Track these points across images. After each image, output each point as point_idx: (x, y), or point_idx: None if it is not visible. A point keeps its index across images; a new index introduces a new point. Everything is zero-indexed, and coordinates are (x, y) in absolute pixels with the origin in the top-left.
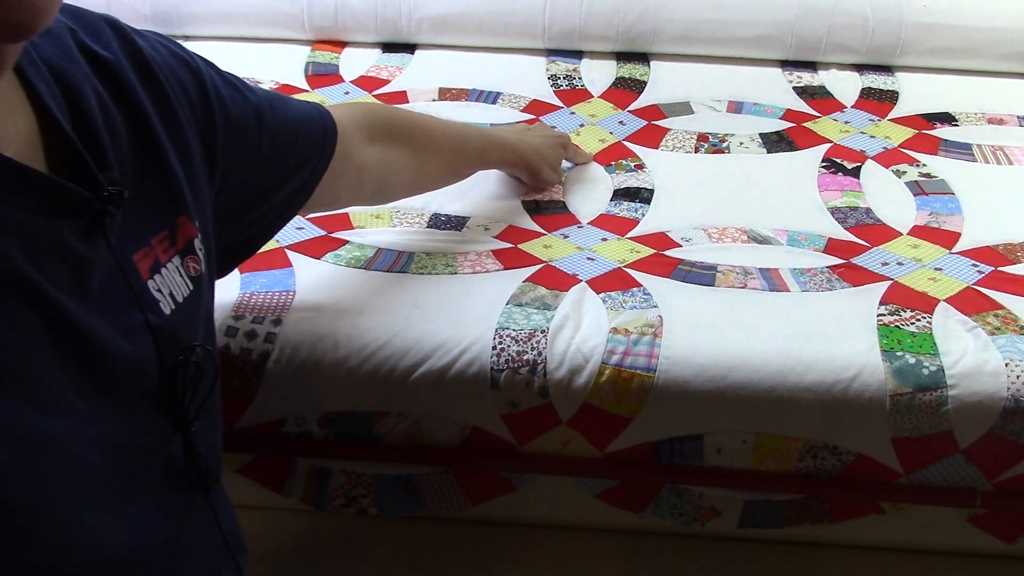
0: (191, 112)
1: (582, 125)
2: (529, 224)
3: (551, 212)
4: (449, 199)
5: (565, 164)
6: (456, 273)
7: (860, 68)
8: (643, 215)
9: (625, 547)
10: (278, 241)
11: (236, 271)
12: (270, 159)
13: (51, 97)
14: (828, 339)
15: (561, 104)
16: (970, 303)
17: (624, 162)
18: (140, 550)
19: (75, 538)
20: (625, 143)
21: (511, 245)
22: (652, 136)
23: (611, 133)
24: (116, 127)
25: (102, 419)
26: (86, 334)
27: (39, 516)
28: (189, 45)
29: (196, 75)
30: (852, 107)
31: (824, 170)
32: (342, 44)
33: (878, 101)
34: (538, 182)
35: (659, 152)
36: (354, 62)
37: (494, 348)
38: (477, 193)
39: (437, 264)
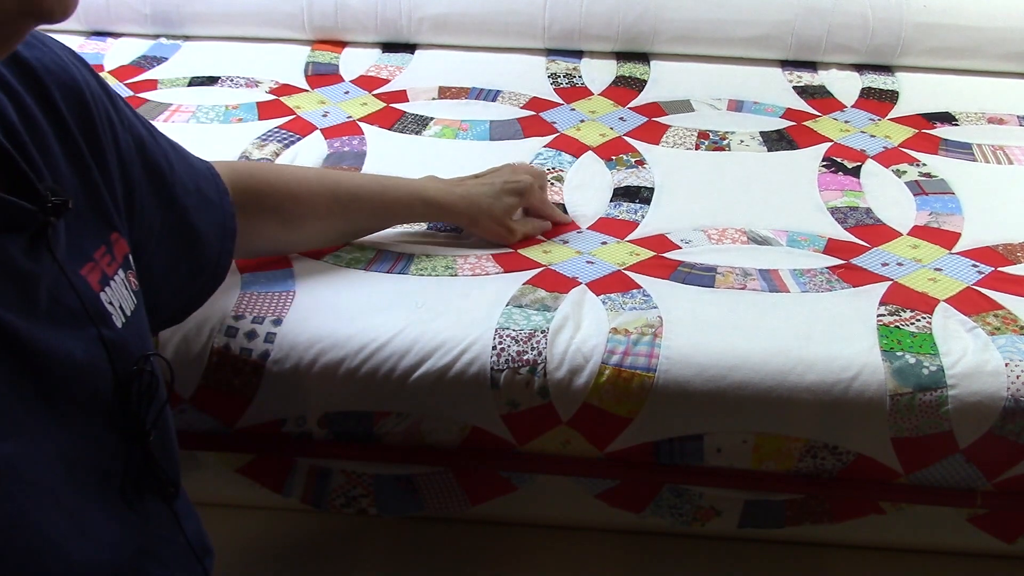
0: (110, 132)
1: (582, 121)
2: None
3: None
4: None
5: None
6: (456, 275)
7: (860, 68)
8: (643, 216)
9: (625, 547)
10: None
11: (236, 271)
12: (172, 205)
13: None
14: (828, 339)
15: (561, 101)
16: (970, 303)
17: (625, 157)
18: (107, 566)
19: (41, 561)
20: (626, 138)
21: (511, 250)
22: (653, 132)
23: (611, 128)
24: (45, 138)
25: (58, 437)
26: (36, 351)
27: (5, 543)
28: (189, 45)
29: (111, 98)
30: (852, 107)
31: (824, 169)
32: (342, 44)
33: (878, 101)
34: (482, 235)
35: (660, 148)
36: (354, 62)
37: (494, 348)
38: None
39: (437, 266)
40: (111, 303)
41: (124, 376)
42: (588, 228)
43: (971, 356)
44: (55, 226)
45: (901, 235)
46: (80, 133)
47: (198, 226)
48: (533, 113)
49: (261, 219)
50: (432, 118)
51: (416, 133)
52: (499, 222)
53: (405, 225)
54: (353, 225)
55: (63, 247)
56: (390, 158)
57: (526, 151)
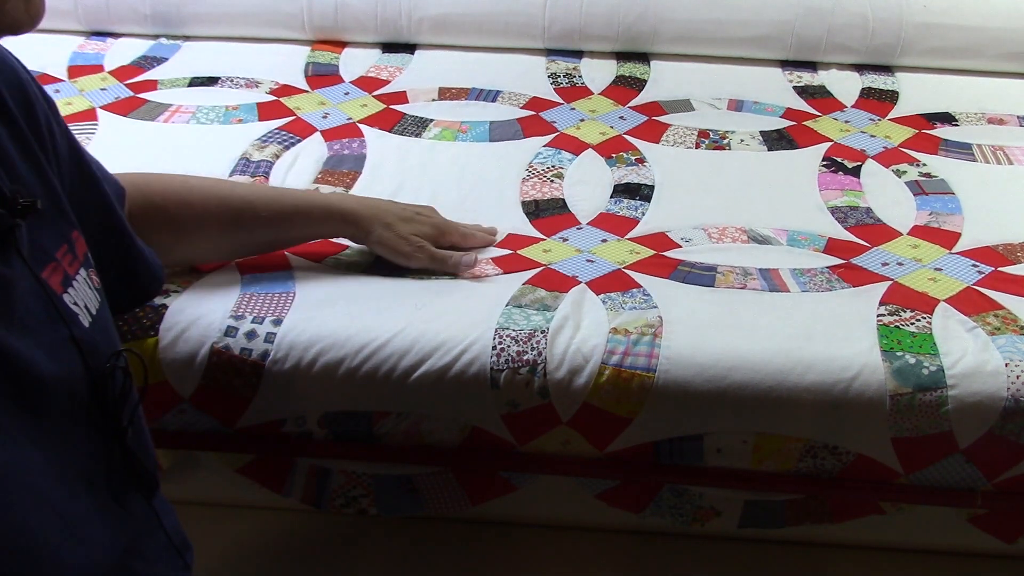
0: (49, 132)
1: (582, 120)
2: (528, 229)
3: (550, 214)
4: (449, 208)
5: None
6: (456, 277)
7: (860, 68)
8: (643, 214)
9: (625, 547)
10: None
11: (237, 273)
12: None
13: None
14: (828, 339)
15: (561, 100)
16: (970, 303)
17: (625, 155)
18: (98, 567)
19: (37, 566)
20: (626, 136)
21: (511, 251)
22: (653, 131)
23: (611, 127)
24: (0, 139)
25: (43, 442)
26: (13, 358)
27: (3, 550)
28: (189, 45)
29: (48, 101)
30: (852, 107)
31: (824, 169)
32: (342, 44)
33: (878, 101)
34: (370, 244)
35: (660, 147)
36: (354, 62)
37: (494, 348)
38: (476, 200)
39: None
40: (75, 303)
41: (98, 375)
42: (588, 224)
43: (971, 356)
44: (21, 228)
45: (901, 235)
46: (30, 132)
47: (133, 236)
48: (533, 113)
49: (153, 230)
50: (432, 120)
51: (416, 135)
52: (399, 233)
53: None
54: (250, 236)
55: (28, 248)
56: (390, 161)
57: (526, 151)
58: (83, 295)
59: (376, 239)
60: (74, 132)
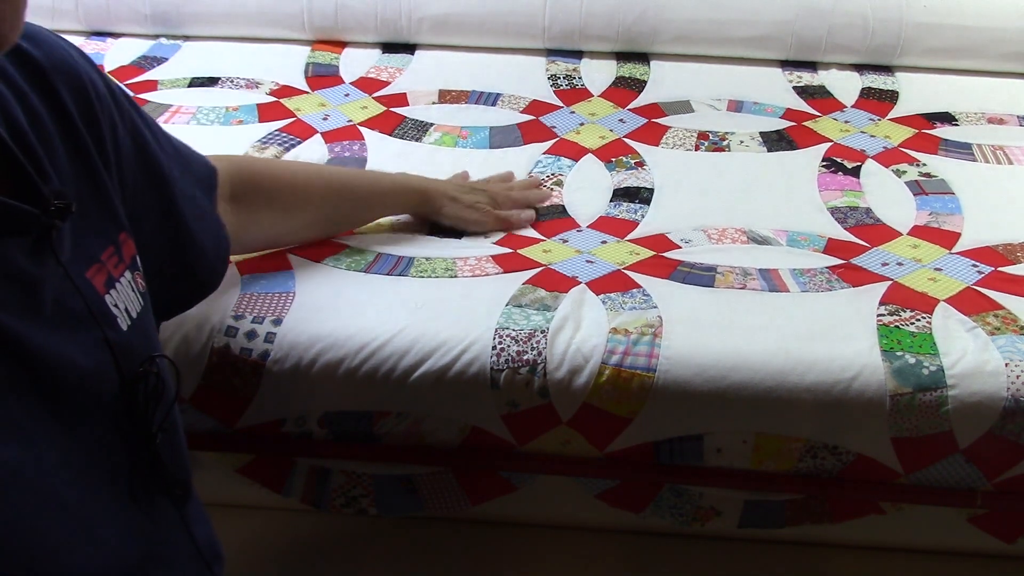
0: (111, 132)
1: (582, 124)
2: (528, 230)
3: (550, 217)
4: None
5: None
6: (456, 277)
7: (860, 68)
8: (643, 216)
9: (625, 547)
10: None
11: (237, 273)
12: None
13: None
14: (828, 339)
15: (561, 104)
16: (970, 303)
17: (624, 159)
18: (112, 572)
19: (44, 567)
20: (625, 140)
21: (511, 250)
22: (652, 133)
23: (611, 131)
24: (51, 139)
25: (62, 442)
26: (39, 355)
27: (11, 550)
28: (189, 45)
29: (115, 97)
30: (852, 107)
31: (824, 169)
32: (342, 44)
33: (878, 101)
34: (442, 218)
35: (659, 149)
36: (354, 63)
37: (494, 348)
38: None
39: (437, 268)
40: (116, 305)
41: (130, 378)
42: (588, 227)
43: (971, 356)
44: (59, 229)
45: (901, 235)
46: (87, 132)
47: (194, 232)
48: (532, 118)
49: (260, 208)
50: (432, 124)
51: (416, 140)
52: (468, 204)
53: (407, 229)
54: (346, 214)
55: (68, 249)
56: (391, 165)
57: (526, 158)
58: (125, 298)
59: (448, 212)
60: None
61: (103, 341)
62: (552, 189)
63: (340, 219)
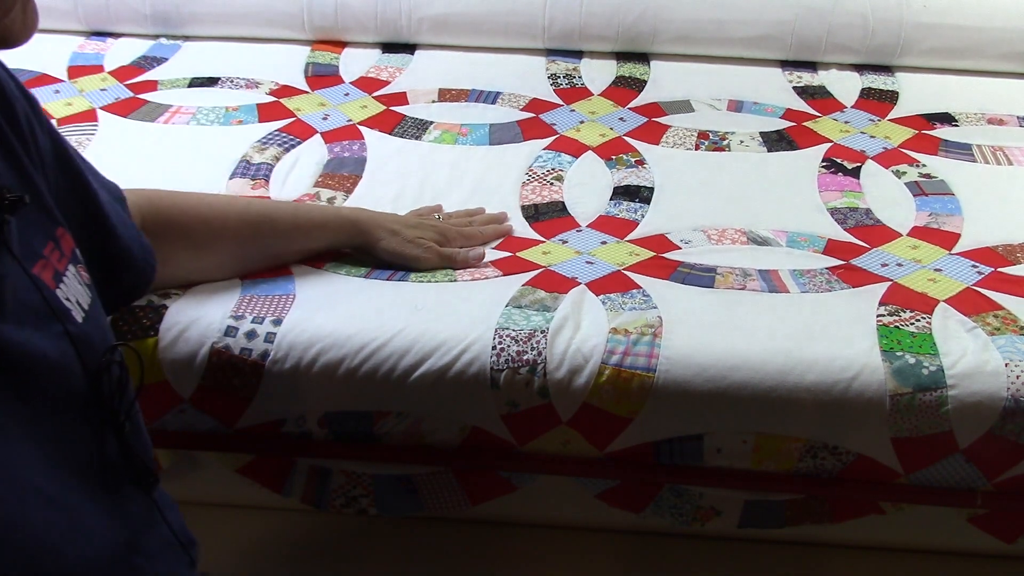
0: (30, 130)
1: (582, 122)
2: (528, 232)
3: (549, 217)
4: (449, 210)
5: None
6: (455, 281)
7: (860, 68)
8: (643, 216)
9: (625, 547)
10: None
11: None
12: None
13: None
14: (828, 339)
15: (561, 102)
16: (970, 304)
17: (625, 157)
18: (100, 561)
19: (37, 561)
20: (626, 138)
21: (510, 254)
22: (652, 132)
23: (611, 129)
24: None
25: (39, 436)
26: (8, 348)
27: (9, 546)
28: (189, 45)
29: (30, 99)
30: (852, 107)
31: (824, 170)
32: (342, 44)
33: (878, 101)
34: (380, 252)
35: (659, 148)
36: (354, 62)
37: (494, 348)
38: (476, 204)
39: (437, 273)
40: (68, 299)
41: (93, 369)
42: (588, 226)
43: (971, 356)
44: (10, 224)
45: (901, 236)
46: (11, 132)
47: (121, 236)
48: (533, 115)
49: (173, 243)
50: (432, 122)
51: (416, 138)
52: (407, 239)
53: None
54: (266, 248)
55: (17, 245)
56: (390, 164)
57: (526, 154)
58: (74, 291)
59: (385, 246)
60: (75, 133)
61: (64, 334)
62: (510, 224)
63: (261, 254)
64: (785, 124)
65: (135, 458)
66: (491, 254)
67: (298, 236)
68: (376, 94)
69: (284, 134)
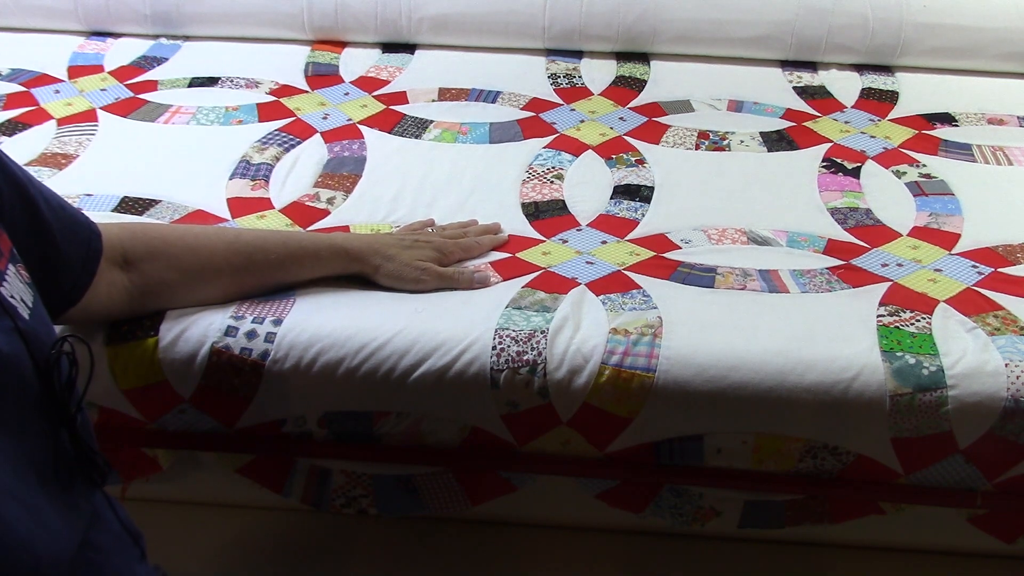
0: None
1: (582, 121)
2: (528, 231)
3: (550, 215)
4: (449, 211)
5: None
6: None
7: (860, 68)
8: (643, 215)
9: (625, 547)
10: None
11: None
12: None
13: None
14: (828, 339)
15: (561, 101)
16: (970, 304)
17: (625, 156)
18: (64, 555)
19: (12, 557)
20: (626, 138)
21: (509, 255)
22: (653, 132)
23: (611, 128)
24: None
25: (1, 434)
26: None
27: None
28: (189, 45)
29: None
30: (852, 107)
31: (824, 170)
32: (342, 44)
33: (878, 101)
34: (380, 279)
35: (660, 148)
36: (354, 62)
37: (494, 348)
38: (476, 203)
39: None
40: (12, 296)
41: (43, 364)
42: (588, 225)
43: (971, 356)
44: None
45: (901, 236)
46: None
47: (59, 243)
48: (533, 114)
49: (162, 275)
50: (432, 121)
51: (416, 137)
52: (404, 263)
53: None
54: (261, 277)
55: None
56: (390, 163)
57: (526, 153)
58: (17, 289)
59: (383, 272)
60: (75, 133)
61: (14, 330)
62: (503, 235)
63: (257, 282)
64: (785, 124)
65: (87, 452)
66: (491, 256)
67: (291, 266)
68: (376, 93)
69: (284, 134)
